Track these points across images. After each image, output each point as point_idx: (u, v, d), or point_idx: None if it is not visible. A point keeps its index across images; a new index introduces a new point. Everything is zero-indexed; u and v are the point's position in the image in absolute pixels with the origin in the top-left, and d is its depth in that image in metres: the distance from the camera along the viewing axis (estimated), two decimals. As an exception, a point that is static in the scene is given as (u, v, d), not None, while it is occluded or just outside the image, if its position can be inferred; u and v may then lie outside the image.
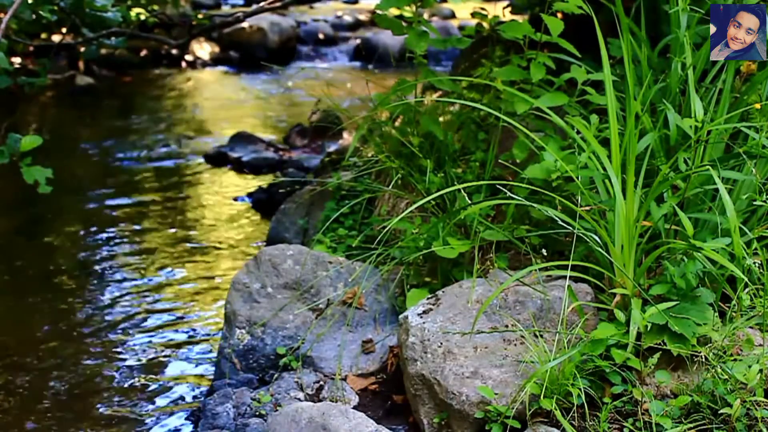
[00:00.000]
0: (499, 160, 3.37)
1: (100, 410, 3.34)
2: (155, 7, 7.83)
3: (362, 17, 12.14)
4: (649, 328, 2.50)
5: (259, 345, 3.19)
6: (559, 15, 3.42)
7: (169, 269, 4.64)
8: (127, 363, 3.69)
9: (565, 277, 2.66)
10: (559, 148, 3.11)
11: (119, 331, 3.97)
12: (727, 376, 2.39)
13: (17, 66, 7.89)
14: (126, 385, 3.51)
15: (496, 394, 2.50)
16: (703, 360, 2.48)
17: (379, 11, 3.70)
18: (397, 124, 3.86)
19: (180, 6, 9.97)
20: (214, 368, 3.33)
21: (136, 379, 3.56)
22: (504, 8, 4.88)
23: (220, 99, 8.82)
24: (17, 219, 5.37)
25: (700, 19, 3.12)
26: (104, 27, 5.22)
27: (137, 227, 5.26)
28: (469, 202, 3.16)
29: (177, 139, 7.23)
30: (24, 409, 3.34)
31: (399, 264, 3.27)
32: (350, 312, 3.22)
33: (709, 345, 2.48)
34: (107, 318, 4.10)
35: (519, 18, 4.30)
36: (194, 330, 3.99)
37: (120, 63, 9.73)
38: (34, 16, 4.90)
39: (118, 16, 5.08)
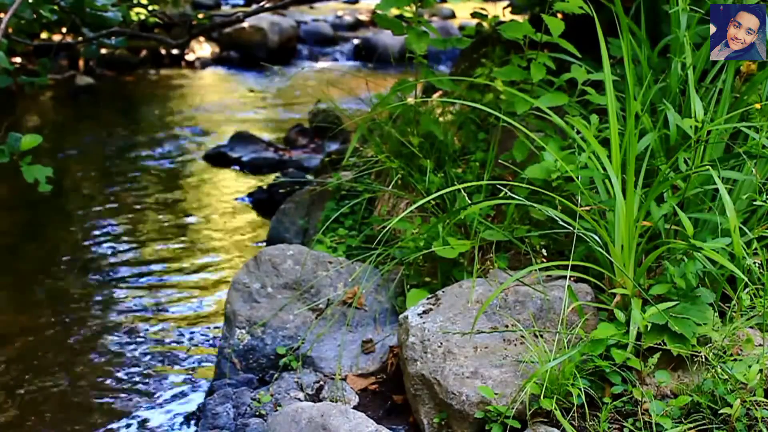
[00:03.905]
0: (499, 160, 3.37)
1: (100, 410, 3.34)
2: (155, 7, 7.83)
3: (362, 17, 12.15)
4: (649, 328, 2.50)
5: (259, 345, 3.19)
6: (559, 15, 3.42)
7: (169, 269, 4.64)
8: (127, 363, 3.70)
9: (565, 277, 2.66)
10: (559, 148, 3.11)
11: (119, 331, 3.97)
12: (727, 376, 2.39)
13: (17, 65, 7.89)
14: (126, 385, 3.51)
15: (496, 394, 2.50)
16: (703, 360, 2.48)
17: (379, 11, 3.70)
18: (397, 123, 3.86)
19: (180, 6, 9.97)
20: (214, 368, 3.33)
21: (136, 379, 3.56)
22: (504, 8, 4.88)
23: (220, 99, 8.82)
24: (17, 219, 5.37)
25: (700, 19, 3.12)
26: (104, 27, 5.22)
27: (137, 227, 5.26)
28: (469, 202, 3.16)
29: (177, 139, 7.23)
30: (24, 408, 3.34)
31: (399, 264, 3.27)
32: (350, 312, 3.22)
33: (709, 345, 2.48)
34: (107, 318, 4.10)
35: (519, 18, 4.30)
36: (194, 330, 3.99)
37: (120, 63, 9.74)
38: (34, 16, 4.89)
39: (118, 15, 5.07)
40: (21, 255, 4.81)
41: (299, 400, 2.95)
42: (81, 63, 9.36)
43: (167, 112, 8.25)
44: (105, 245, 4.97)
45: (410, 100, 3.78)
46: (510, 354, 2.64)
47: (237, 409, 2.97)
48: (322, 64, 10.53)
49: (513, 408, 2.45)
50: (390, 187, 3.62)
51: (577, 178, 2.86)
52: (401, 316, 2.89)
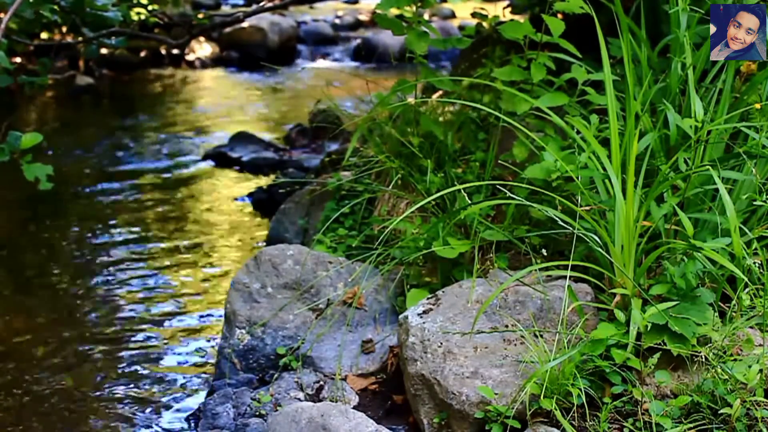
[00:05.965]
0: (499, 160, 3.37)
1: (100, 410, 3.34)
2: (155, 7, 7.83)
3: (362, 17, 12.15)
4: (649, 328, 2.50)
5: (259, 345, 3.19)
6: (560, 15, 3.42)
7: (169, 269, 4.64)
8: (127, 363, 3.70)
9: (565, 277, 2.66)
10: (559, 148, 3.11)
11: (119, 331, 3.97)
12: (727, 376, 2.39)
13: (17, 65, 7.89)
14: (126, 385, 3.51)
15: (496, 394, 2.50)
16: (703, 360, 2.48)
17: (379, 11, 3.70)
18: (397, 123, 3.86)
19: (180, 6, 9.97)
20: (214, 368, 3.33)
21: (136, 378, 3.56)
22: (504, 8, 4.88)
23: (220, 99, 8.82)
24: (17, 219, 5.37)
25: (700, 19, 3.12)
26: (104, 27, 5.22)
27: (137, 227, 5.26)
28: (469, 202, 3.16)
29: (177, 139, 7.24)
30: (24, 408, 3.34)
31: (399, 264, 3.27)
32: (350, 312, 3.22)
33: (709, 345, 2.48)
34: (107, 317, 4.10)
35: (519, 18, 4.30)
36: (194, 330, 3.99)
37: (120, 63, 9.73)
38: (34, 16, 4.89)
39: (118, 15, 5.07)
40: (20, 255, 4.81)
41: (299, 400, 2.95)
42: (81, 63, 9.35)
43: (167, 112, 8.25)
44: (104, 245, 4.97)
45: (410, 100, 3.78)
46: (510, 354, 2.64)
47: (237, 409, 2.97)
48: (322, 64, 10.52)
49: (513, 408, 2.45)
50: (390, 187, 3.62)
51: (577, 178, 2.86)
52: (401, 316, 2.89)
